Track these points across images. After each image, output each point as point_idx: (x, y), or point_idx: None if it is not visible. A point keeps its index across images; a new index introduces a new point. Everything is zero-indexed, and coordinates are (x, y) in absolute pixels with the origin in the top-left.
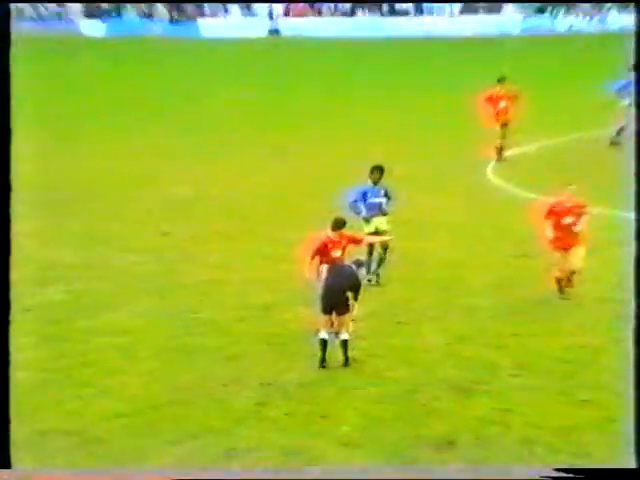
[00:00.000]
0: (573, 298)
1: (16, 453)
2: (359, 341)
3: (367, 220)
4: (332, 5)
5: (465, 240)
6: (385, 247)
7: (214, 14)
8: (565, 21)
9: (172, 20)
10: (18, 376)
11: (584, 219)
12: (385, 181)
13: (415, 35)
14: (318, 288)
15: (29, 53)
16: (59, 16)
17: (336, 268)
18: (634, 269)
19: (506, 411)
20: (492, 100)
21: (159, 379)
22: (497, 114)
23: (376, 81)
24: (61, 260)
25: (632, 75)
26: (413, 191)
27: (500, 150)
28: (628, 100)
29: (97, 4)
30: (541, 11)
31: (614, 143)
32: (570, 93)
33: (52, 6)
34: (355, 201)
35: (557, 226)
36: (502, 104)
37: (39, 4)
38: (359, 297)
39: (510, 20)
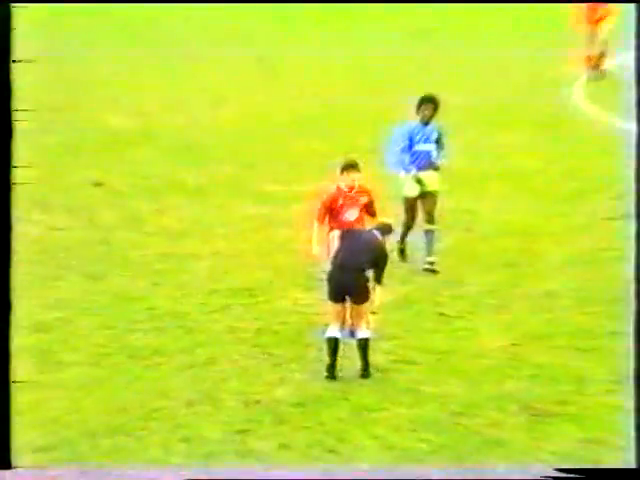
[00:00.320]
0: None
1: None
2: (384, 341)
3: (414, 177)
4: None
5: (541, 197)
6: (429, 212)
7: None
8: None
9: None
10: None
11: None
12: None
13: None
14: (326, 265)
15: None
16: None
17: (351, 236)
18: None
19: (599, 443)
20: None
21: (89, 395)
22: (591, 10)
23: None
24: None
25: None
26: (470, 127)
27: (597, 60)
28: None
29: None
30: None
31: None
32: None
33: None
34: (402, 150)
35: None
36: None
37: None
38: (384, 279)
39: None
